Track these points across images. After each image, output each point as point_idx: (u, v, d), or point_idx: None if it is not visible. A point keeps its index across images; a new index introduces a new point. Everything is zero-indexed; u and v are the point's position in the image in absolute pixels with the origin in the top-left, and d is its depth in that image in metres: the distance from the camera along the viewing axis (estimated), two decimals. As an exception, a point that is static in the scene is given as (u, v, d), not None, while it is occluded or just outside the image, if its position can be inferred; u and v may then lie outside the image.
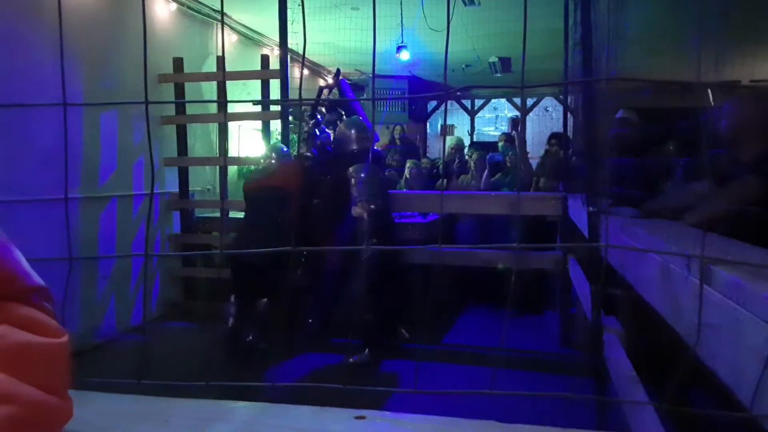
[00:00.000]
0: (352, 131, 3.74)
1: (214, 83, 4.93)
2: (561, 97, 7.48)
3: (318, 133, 3.89)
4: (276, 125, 4.53)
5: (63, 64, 0.81)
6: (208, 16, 5.19)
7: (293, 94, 4.26)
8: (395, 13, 4.98)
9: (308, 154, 3.79)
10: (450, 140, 6.26)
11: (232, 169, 5.35)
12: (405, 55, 5.89)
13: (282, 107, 4.25)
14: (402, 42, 5.70)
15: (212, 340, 3.61)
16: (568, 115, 4.55)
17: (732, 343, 0.81)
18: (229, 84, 4.76)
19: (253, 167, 4.02)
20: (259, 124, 4.81)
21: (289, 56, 4.32)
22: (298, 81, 2.52)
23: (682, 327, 1.04)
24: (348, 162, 3.59)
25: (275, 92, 4.48)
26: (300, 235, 3.58)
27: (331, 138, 3.96)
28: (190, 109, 4.70)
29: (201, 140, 5.10)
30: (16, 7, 3.22)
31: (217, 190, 5.21)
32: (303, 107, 4.06)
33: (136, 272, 4.11)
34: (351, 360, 3.30)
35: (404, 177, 5.17)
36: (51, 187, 3.16)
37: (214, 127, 5.23)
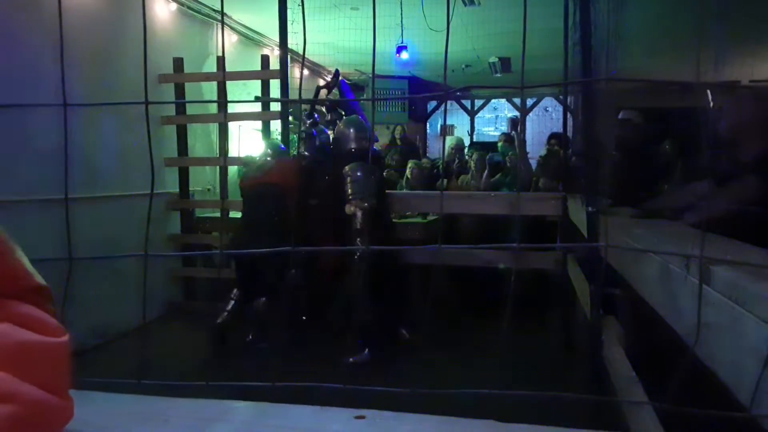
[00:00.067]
0: (351, 130, 3.74)
1: (214, 83, 4.93)
2: (561, 97, 7.48)
3: (315, 133, 3.89)
4: (276, 125, 4.53)
5: (63, 64, 0.81)
6: (208, 16, 5.19)
7: (293, 95, 4.26)
8: (395, 13, 4.98)
9: (306, 153, 3.79)
10: (450, 140, 6.26)
11: (232, 169, 5.35)
12: (405, 55, 5.89)
13: (282, 107, 4.25)
14: (402, 42, 5.70)
15: (204, 337, 3.61)
16: (568, 115, 4.55)
17: (731, 343, 0.81)
18: (229, 84, 4.76)
19: (244, 167, 4.01)
20: (259, 124, 4.81)
21: (289, 56, 4.32)
22: (298, 81, 2.52)
23: (682, 327, 1.04)
24: (346, 161, 3.59)
25: (275, 92, 4.48)
26: (298, 234, 3.59)
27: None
28: (191, 109, 4.70)
29: (201, 140, 5.10)
30: (15, 7, 3.22)
31: (218, 190, 5.21)
32: (302, 108, 4.06)
33: (136, 272, 4.11)
34: (351, 360, 3.30)
35: (405, 177, 5.16)
36: (51, 186, 3.16)
37: (214, 127, 5.23)
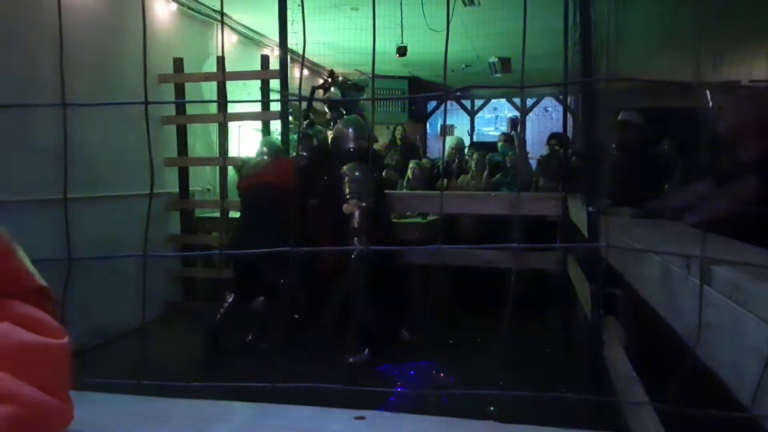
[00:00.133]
0: (350, 130, 3.74)
1: (214, 83, 4.93)
2: (561, 97, 7.48)
3: (312, 133, 3.89)
4: (276, 125, 4.53)
5: (62, 63, 0.81)
6: (208, 16, 5.19)
7: (295, 95, 4.25)
8: (395, 13, 4.98)
9: (303, 153, 3.79)
10: (450, 140, 6.26)
11: (232, 169, 5.35)
12: (405, 55, 5.89)
13: (282, 107, 4.25)
14: (402, 42, 5.70)
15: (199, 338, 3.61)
16: (568, 115, 4.55)
17: (732, 343, 0.81)
18: (229, 84, 4.76)
19: (240, 169, 4.02)
20: (259, 124, 4.81)
21: (289, 56, 4.32)
22: (297, 81, 2.52)
23: (682, 327, 1.04)
24: (344, 161, 3.59)
25: (275, 93, 4.48)
26: (296, 234, 3.59)
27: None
28: (190, 109, 4.70)
29: (201, 140, 5.10)
30: (15, 7, 3.22)
31: (217, 190, 5.21)
32: (300, 108, 4.06)
33: (136, 273, 4.11)
34: (350, 360, 3.29)
35: (406, 178, 5.16)
36: (50, 186, 3.16)
37: (214, 127, 5.23)
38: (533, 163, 5.62)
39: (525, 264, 3.80)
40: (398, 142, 6.65)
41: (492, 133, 9.30)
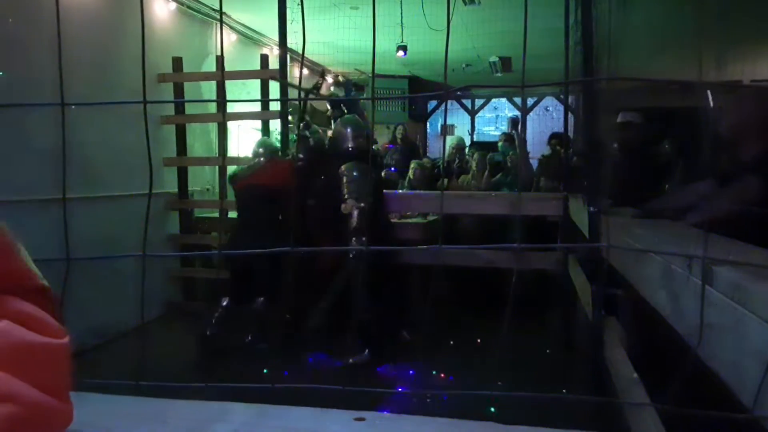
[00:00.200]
0: (348, 130, 3.73)
1: (214, 83, 4.93)
2: (562, 96, 7.48)
3: (308, 135, 3.89)
4: (276, 125, 4.53)
5: (61, 63, 0.81)
6: (208, 15, 5.19)
7: (292, 94, 4.26)
8: (395, 12, 4.97)
9: (299, 155, 3.78)
10: (451, 140, 6.26)
11: (232, 169, 5.35)
12: (405, 55, 5.88)
13: (281, 107, 4.25)
14: (402, 41, 5.70)
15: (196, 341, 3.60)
16: (569, 114, 4.55)
17: (734, 344, 0.80)
18: (228, 84, 4.76)
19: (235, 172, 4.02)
20: (258, 123, 4.81)
21: (288, 56, 4.32)
22: (297, 80, 2.52)
23: (684, 327, 1.04)
24: (343, 160, 3.59)
25: (275, 92, 4.47)
26: (294, 235, 3.59)
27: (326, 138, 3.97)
28: (190, 109, 4.69)
29: (200, 140, 5.10)
30: (14, 6, 3.21)
31: (217, 190, 5.20)
32: (290, 114, 4.08)
33: (135, 273, 4.10)
34: (350, 361, 3.29)
35: (407, 178, 5.16)
36: (50, 186, 3.16)
37: (213, 127, 5.22)
38: (534, 162, 5.61)
39: (526, 264, 3.80)
40: (398, 141, 6.64)
41: (492, 133, 9.30)
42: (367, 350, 3.33)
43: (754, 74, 5.94)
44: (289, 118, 4.21)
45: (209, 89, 5.06)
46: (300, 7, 0.81)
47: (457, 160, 5.63)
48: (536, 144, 6.93)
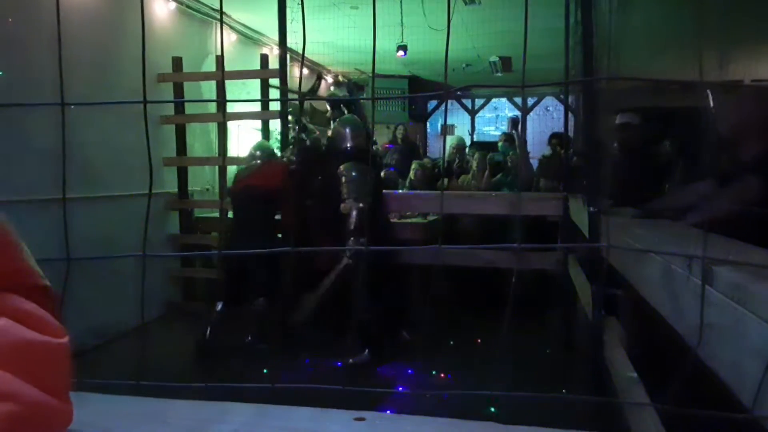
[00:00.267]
0: (347, 130, 3.73)
1: (213, 83, 4.93)
2: (562, 96, 7.47)
3: (305, 138, 3.89)
4: (276, 125, 4.52)
5: (61, 63, 0.81)
6: (207, 15, 5.19)
7: (292, 94, 4.26)
8: (395, 11, 4.97)
9: (294, 158, 3.78)
10: (451, 140, 6.26)
11: (232, 169, 5.35)
12: (405, 55, 5.88)
13: (281, 106, 4.25)
14: (402, 41, 5.69)
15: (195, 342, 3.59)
16: (569, 114, 4.55)
17: (733, 344, 0.80)
18: (228, 83, 4.76)
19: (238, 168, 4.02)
20: (258, 123, 4.81)
21: (288, 55, 4.32)
22: (297, 80, 2.52)
23: (684, 327, 1.04)
24: (341, 160, 3.59)
25: (275, 92, 4.47)
26: (292, 235, 3.59)
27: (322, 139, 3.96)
28: (189, 109, 4.69)
29: (200, 140, 5.10)
30: (14, 6, 3.21)
31: (217, 190, 5.21)
32: (290, 114, 4.08)
33: (135, 273, 4.10)
34: (350, 361, 3.29)
35: (408, 179, 5.16)
36: (49, 186, 3.16)
37: (213, 127, 5.22)
38: (534, 162, 5.61)
39: (526, 264, 3.80)
40: (399, 141, 6.64)
41: (493, 133, 9.30)
42: (367, 350, 3.33)
43: (755, 74, 5.94)
44: (289, 118, 4.21)
45: (209, 89, 5.06)
46: (300, 6, 0.81)
47: (457, 160, 5.63)
48: (536, 144, 6.93)
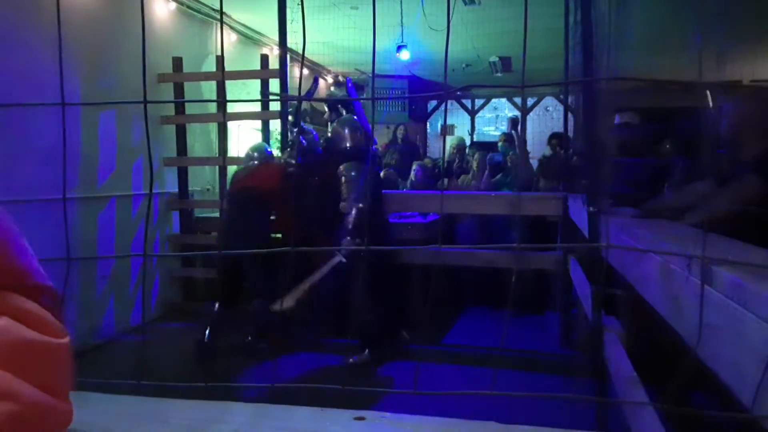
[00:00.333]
0: (345, 130, 3.73)
1: (214, 83, 4.92)
2: (561, 96, 7.47)
3: (303, 141, 3.89)
4: (276, 125, 4.53)
5: (62, 63, 0.81)
6: (208, 15, 5.19)
7: (293, 94, 4.26)
8: (395, 12, 4.97)
9: (291, 161, 3.77)
10: (451, 140, 6.26)
11: (232, 169, 5.36)
12: (405, 55, 5.88)
13: (281, 107, 4.25)
14: (402, 41, 5.69)
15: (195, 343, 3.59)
16: (569, 114, 4.55)
17: (733, 344, 0.80)
18: (228, 83, 4.75)
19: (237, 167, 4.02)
20: (258, 123, 4.81)
21: (288, 56, 4.32)
22: (297, 80, 2.52)
23: (683, 327, 1.04)
24: (340, 160, 3.59)
25: (275, 92, 4.48)
26: (291, 236, 3.59)
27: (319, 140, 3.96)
28: (190, 109, 4.69)
29: (200, 140, 5.10)
30: (14, 6, 3.21)
31: (217, 190, 5.21)
32: (290, 116, 4.08)
33: (135, 272, 4.11)
34: (350, 360, 3.29)
35: (409, 180, 5.16)
36: (50, 187, 3.16)
37: (213, 127, 5.22)
38: (534, 162, 5.61)
39: (525, 264, 3.80)
40: (399, 141, 6.64)
41: (492, 133, 9.29)
42: (367, 350, 3.33)
43: (755, 74, 5.94)
44: (289, 118, 4.22)
45: (209, 89, 5.06)
46: (300, 7, 0.81)
47: (457, 161, 5.63)
48: (536, 144, 6.93)
